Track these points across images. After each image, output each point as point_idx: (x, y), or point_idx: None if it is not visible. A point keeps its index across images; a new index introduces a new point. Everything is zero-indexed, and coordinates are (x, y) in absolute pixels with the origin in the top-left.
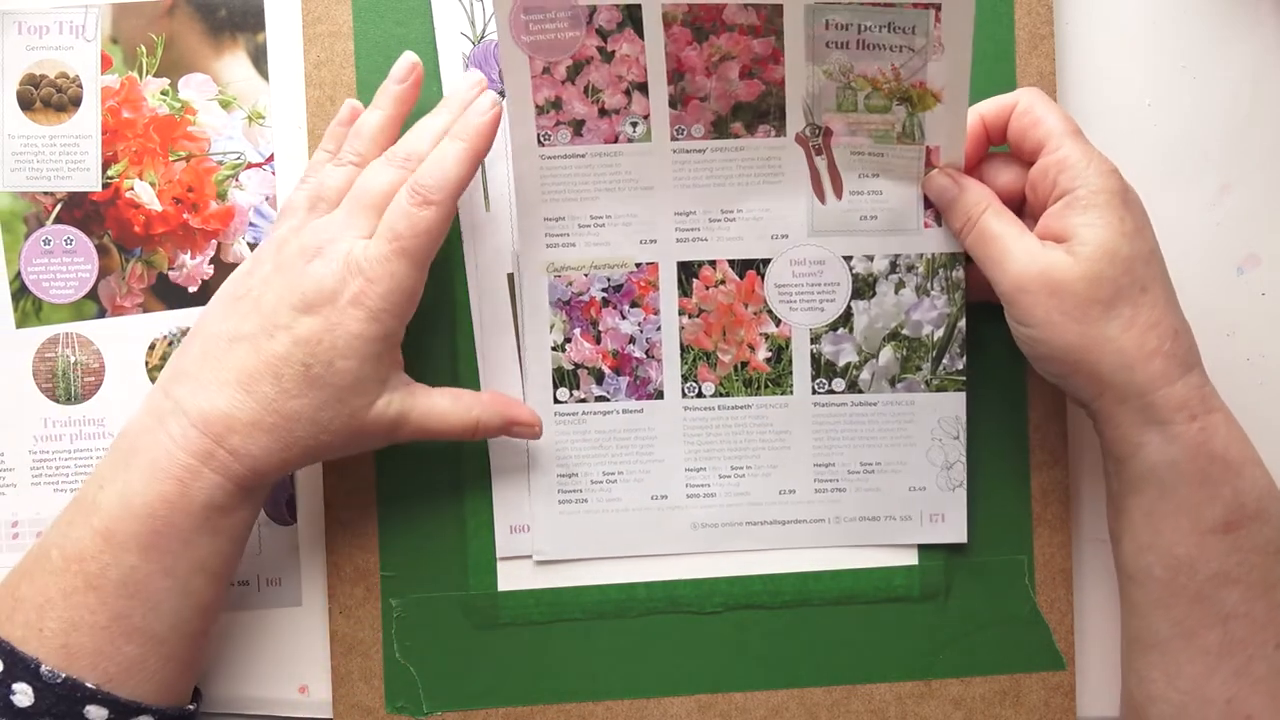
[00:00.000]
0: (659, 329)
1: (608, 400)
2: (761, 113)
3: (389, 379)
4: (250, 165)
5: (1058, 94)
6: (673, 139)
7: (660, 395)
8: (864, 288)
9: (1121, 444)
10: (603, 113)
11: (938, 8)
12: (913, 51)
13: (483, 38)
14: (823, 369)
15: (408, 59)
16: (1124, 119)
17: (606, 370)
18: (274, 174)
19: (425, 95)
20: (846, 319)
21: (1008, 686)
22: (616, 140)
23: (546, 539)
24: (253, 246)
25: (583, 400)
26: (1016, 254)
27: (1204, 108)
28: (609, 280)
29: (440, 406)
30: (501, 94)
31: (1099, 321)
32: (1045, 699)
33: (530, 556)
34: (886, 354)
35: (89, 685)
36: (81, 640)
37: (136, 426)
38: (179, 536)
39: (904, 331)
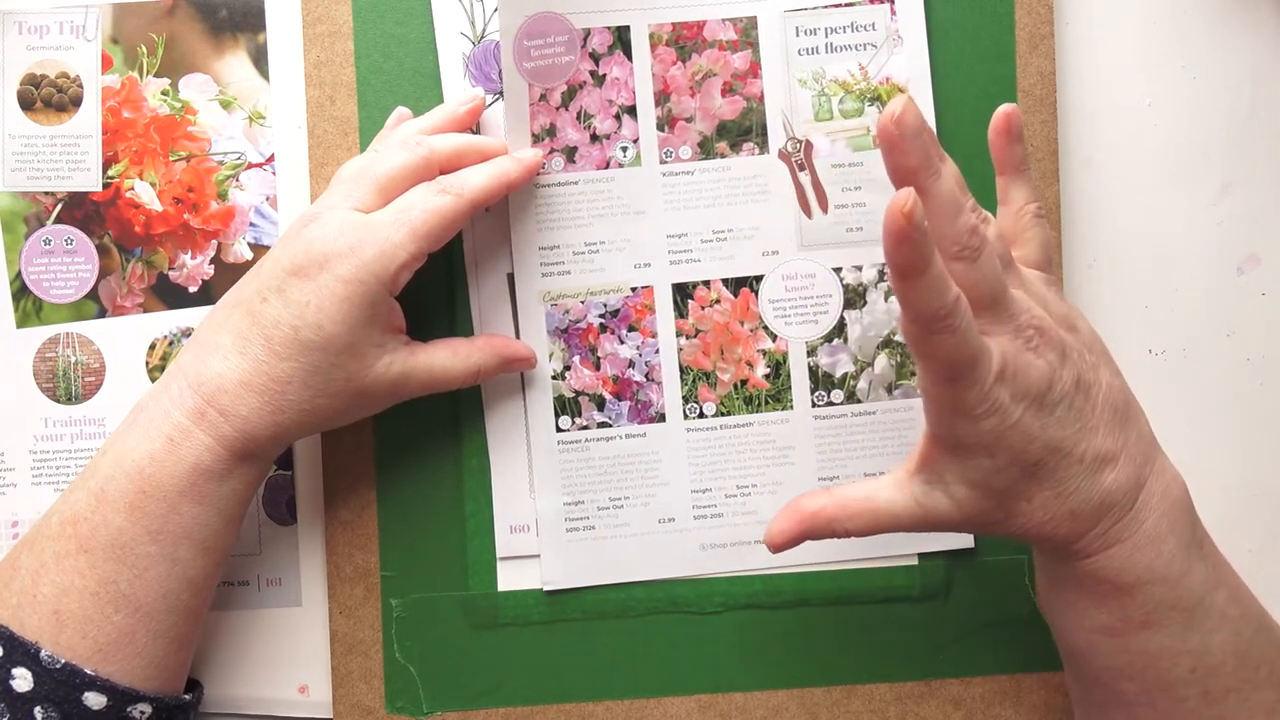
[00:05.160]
0: (657, 351)
1: (610, 426)
2: (744, 130)
3: (387, 342)
4: (251, 165)
5: (1057, 94)
6: (661, 162)
7: (662, 418)
8: (855, 298)
9: None
10: (594, 138)
11: (892, 0)
12: (875, 48)
13: (483, 38)
14: (821, 381)
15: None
16: (1124, 119)
17: (607, 396)
18: (274, 174)
19: (425, 97)
20: (840, 330)
21: (1008, 686)
22: (608, 166)
23: (555, 567)
24: (253, 246)
25: (585, 428)
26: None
27: (1204, 108)
28: (605, 305)
29: (441, 360)
30: (500, 94)
31: (986, 525)
32: (1045, 699)
33: (529, 556)
34: (881, 361)
35: (88, 672)
36: (71, 606)
37: (147, 393)
38: (164, 499)
39: (896, 338)
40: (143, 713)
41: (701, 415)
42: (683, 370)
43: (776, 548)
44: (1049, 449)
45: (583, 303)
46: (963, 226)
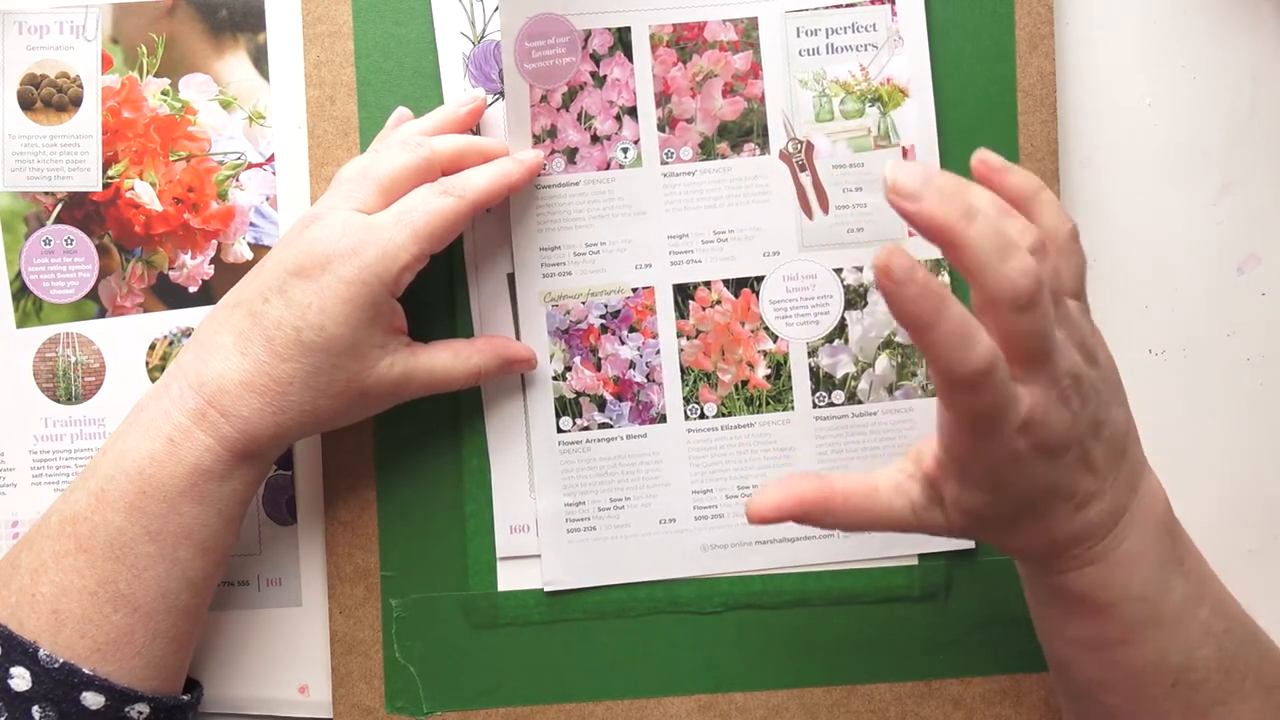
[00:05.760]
0: (658, 352)
1: (611, 427)
2: (745, 131)
3: (388, 343)
4: (251, 165)
5: (1057, 94)
6: (662, 163)
7: (663, 419)
8: (856, 298)
9: None
10: (595, 139)
11: (893, 1)
12: (876, 48)
13: (483, 38)
14: (821, 382)
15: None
16: (1124, 119)
17: (608, 397)
18: (274, 174)
19: (425, 97)
20: (841, 330)
21: (1008, 686)
22: (609, 167)
23: (556, 568)
24: (253, 246)
25: (586, 428)
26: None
27: (1204, 108)
28: (606, 306)
29: (441, 361)
30: (500, 95)
31: (969, 537)
32: (1045, 699)
33: (529, 556)
34: (882, 362)
35: (86, 671)
36: (71, 606)
37: (148, 393)
38: (164, 499)
39: (897, 339)
40: (140, 713)
41: (702, 416)
42: (684, 371)
43: (760, 519)
44: (1049, 492)
45: (583, 303)
46: (1016, 270)
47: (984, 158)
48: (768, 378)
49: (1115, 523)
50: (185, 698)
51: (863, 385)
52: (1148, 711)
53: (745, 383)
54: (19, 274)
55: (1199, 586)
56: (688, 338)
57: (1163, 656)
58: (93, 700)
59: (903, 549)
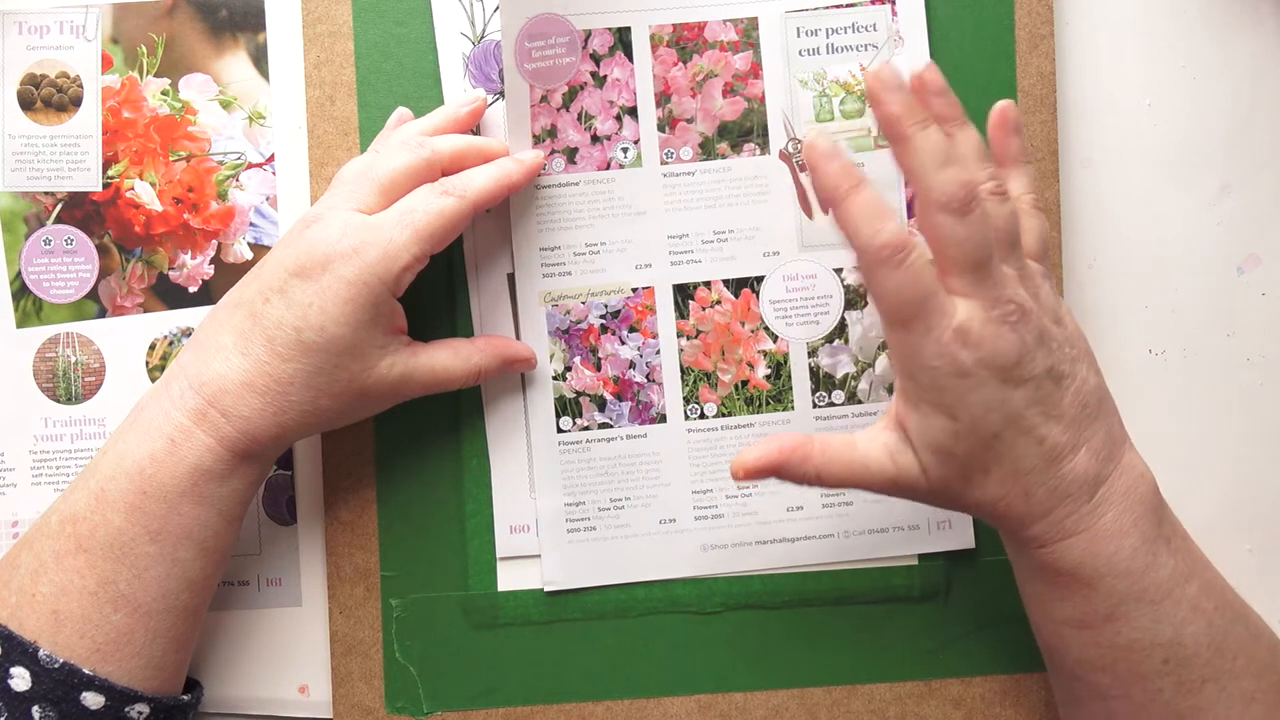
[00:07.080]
0: (658, 352)
1: (611, 427)
2: (745, 131)
3: (389, 343)
4: (251, 165)
5: (1057, 94)
6: (662, 163)
7: (663, 419)
8: (856, 298)
9: None
10: (595, 139)
11: (893, 1)
12: (876, 49)
13: (483, 38)
14: (821, 382)
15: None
16: (1124, 119)
17: (608, 397)
18: (274, 174)
19: (425, 97)
20: (841, 330)
21: (1008, 686)
22: (609, 167)
23: (557, 568)
24: (253, 246)
25: (586, 428)
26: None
27: (1204, 108)
28: (606, 306)
29: (442, 361)
30: (500, 95)
31: (948, 495)
32: (1045, 699)
33: (529, 556)
34: (882, 362)
35: (86, 671)
36: (70, 606)
37: (148, 393)
38: (164, 499)
39: None
40: (140, 713)
41: (702, 416)
42: (684, 371)
43: (746, 473)
44: (1009, 422)
45: (584, 303)
46: (950, 178)
47: (1004, 109)
48: (768, 378)
49: (1094, 490)
50: (185, 698)
51: (863, 385)
52: (1139, 689)
53: (745, 383)
54: (19, 274)
55: (1187, 563)
56: (688, 338)
57: (1152, 632)
58: (93, 700)
59: (903, 549)
